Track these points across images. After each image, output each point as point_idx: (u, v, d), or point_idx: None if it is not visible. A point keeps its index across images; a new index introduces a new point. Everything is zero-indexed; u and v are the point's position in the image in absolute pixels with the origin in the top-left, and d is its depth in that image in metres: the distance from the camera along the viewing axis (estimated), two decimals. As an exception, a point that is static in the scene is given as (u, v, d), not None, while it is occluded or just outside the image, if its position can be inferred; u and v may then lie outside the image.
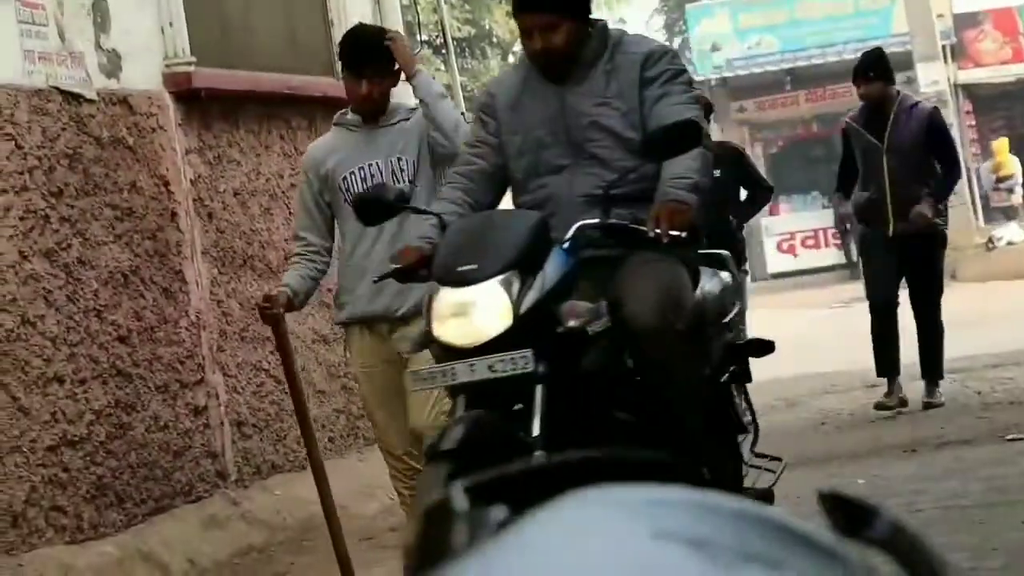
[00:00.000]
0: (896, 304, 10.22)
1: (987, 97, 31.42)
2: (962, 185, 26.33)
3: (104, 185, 7.38)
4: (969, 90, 30.66)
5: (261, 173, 8.73)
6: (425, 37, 15.66)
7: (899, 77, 28.09)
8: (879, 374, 10.41)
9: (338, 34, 9.79)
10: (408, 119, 6.46)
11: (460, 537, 1.16)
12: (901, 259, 10.13)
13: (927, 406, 10.16)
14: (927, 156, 10.26)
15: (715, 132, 10.68)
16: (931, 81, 25.22)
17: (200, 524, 7.57)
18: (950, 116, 26.12)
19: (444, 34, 12.66)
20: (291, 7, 9.52)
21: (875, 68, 10.36)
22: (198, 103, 8.26)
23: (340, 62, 6.68)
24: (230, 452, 8.13)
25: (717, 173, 9.34)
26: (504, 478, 1.26)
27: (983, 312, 16.72)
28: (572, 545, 1.06)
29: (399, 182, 6.25)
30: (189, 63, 8.14)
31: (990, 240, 25.63)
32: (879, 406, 10.16)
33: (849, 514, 1.28)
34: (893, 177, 10.03)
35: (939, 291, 10.38)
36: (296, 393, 6.85)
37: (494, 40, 31.51)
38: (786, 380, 11.73)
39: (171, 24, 8.13)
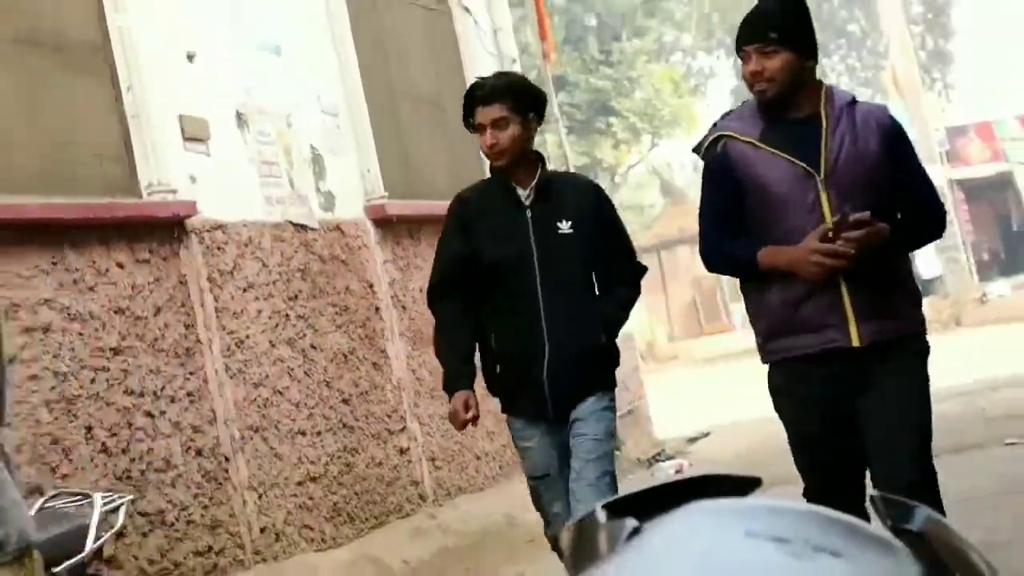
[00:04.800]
0: (864, 488, 3.93)
1: (974, 188, 30.87)
2: (959, 248, 25.94)
3: (326, 290, 7.47)
4: (961, 184, 30.16)
5: (439, 275, 8.78)
6: (552, 167, 15.77)
7: (907, 176, 27.66)
8: None
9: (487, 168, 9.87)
10: None
11: (602, 542, 1.16)
12: (860, 394, 3.86)
13: None
14: (887, 190, 3.89)
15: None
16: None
17: (408, 533, 7.58)
18: (949, 205, 25.82)
19: (567, 163, 12.76)
20: (453, 150, 9.60)
21: (781, 27, 3.81)
22: (391, 226, 8.34)
23: None
24: (428, 480, 8.15)
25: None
26: (634, 496, 1.26)
27: (983, 349, 16.38)
28: (684, 545, 1.06)
29: None
30: (383, 197, 8.24)
31: (984, 295, 25.27)
32: None
33: (894, 511, 1.26)
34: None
35: (928, 425, 3.89)
36: None
37: (604, 166, 31.59)
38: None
39: (369, 170, 8.25)
